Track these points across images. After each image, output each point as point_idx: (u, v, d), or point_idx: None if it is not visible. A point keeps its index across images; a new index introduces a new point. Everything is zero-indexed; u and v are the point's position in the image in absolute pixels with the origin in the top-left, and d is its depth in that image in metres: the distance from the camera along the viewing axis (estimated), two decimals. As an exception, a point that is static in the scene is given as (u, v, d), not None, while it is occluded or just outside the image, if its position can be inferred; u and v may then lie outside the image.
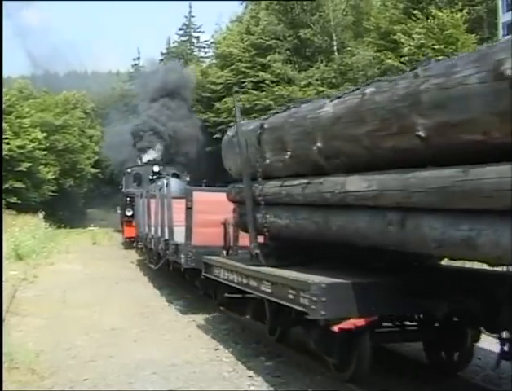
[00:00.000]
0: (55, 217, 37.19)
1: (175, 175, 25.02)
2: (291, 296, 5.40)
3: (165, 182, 13.68)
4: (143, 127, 38.22)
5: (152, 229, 14.39)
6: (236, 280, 7.09)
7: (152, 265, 14.73)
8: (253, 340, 8.10)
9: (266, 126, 6.71)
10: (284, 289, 5.59)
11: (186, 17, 69.77)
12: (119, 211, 46.47)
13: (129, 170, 29.10)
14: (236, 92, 30.75)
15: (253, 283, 6.47)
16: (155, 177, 26.06)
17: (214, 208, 9.35)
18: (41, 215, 31.60)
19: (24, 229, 22.55)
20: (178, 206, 11.06)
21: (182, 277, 11.80)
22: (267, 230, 6.75)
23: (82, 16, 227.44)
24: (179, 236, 10.82)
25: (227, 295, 8.27)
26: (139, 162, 34.64)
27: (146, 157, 35.71)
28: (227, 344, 8.03)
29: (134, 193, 22.82)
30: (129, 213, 25.12)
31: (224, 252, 9.11)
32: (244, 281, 6.75)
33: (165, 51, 68.20)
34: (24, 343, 7.46)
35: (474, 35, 18.72)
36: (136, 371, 6.61)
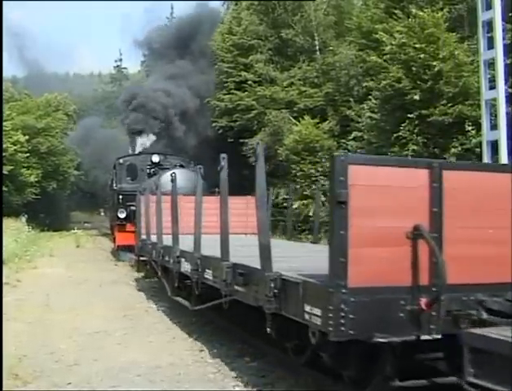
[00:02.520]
0: (38, 221, 36.96)
1: (181, 167, 20.23)
2: None
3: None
4: (141, 101, 31.88)
5: (183, 242, 9.21)
6: None
7: (185, 302, 9.41)
8: (238, 341, 8.09)
9: None
10: None
11: (168, 18, 69.52)
12: (102, 213, 45.62)
13: (121, 161, 23.31)
14: None
15: None
16: (154, 169, 21.64)
17: (391, 200, 4.58)
18: (23, 218, 31.35)
19: (7, 233, 22.34)
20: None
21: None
22: None
23: (62, 17, 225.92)
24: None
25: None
26: (130, 150, 29.66)
27: (141, 144, 29.98)
28: (211, 345, 8.02)
29: (134, 189, 17.94)
30: (122, 215, 20.86)
31: (424, 303, 4.45)
32: None
33: (147, 52, 67.94)
34: (7, 348, 7.37)
35: (454, 34, 18.78)
36: (120, 374, 6.58)
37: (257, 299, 5.77)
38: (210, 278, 7.41)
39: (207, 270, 7.58)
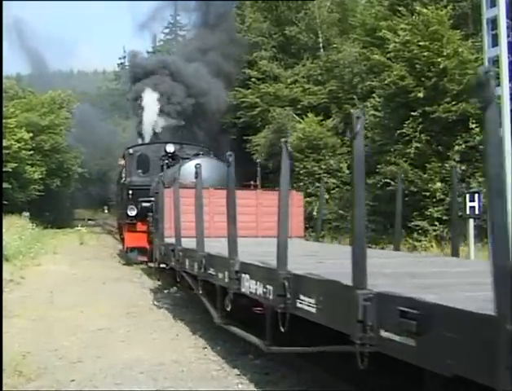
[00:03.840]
0: (42, 218, 37.02)
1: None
2: None
3: None
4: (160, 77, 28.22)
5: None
6: None
7: (254, 338, 6.37)
8: (241, 339, 8.08)
9: None
10: None
11: (171, 15, 69.49)
12: (106, 210, 45.18)
13: (131, 151, 20.62)
14: None
15: None
16: (168, 161, 18.40)
17: None
18: (26, 214, 31.41)
19: (11, 230, 22.38)
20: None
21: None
22: None
23: (66, 15, 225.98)
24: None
25: None
26: (140, 140, 26.43)
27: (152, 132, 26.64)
28: (214, 342, 8.02)
29: (146, 183, 16.38)
30: (132, 213, 18.96)
31: None
32: None
33: (151, 50, 68.02)
34: (11, 344, 7.39)
35: (459, 31, 18.74)
36: (124, 371, 6.58)
37: (463, 369, 3.00)
38: (313, 311, 4.60)
39: (304, 298, 4.78)
